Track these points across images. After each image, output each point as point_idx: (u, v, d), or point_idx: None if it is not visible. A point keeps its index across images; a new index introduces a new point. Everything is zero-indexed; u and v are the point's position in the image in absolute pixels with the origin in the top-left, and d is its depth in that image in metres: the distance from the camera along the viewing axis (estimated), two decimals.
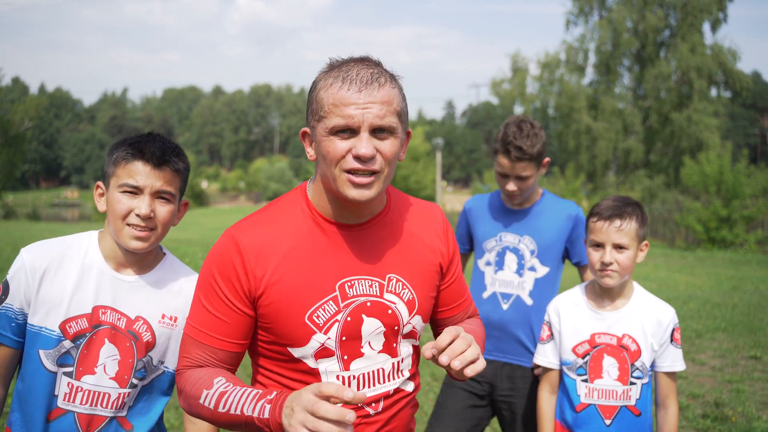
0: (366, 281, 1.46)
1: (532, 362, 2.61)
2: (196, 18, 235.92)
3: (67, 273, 1.68)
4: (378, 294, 1.47)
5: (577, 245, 2.67)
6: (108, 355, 1.68)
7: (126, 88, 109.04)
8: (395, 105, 1.39)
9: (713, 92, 30.61)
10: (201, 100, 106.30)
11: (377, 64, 1.43)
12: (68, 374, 1.66)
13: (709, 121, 28.48)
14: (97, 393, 1.67)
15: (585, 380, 2.19)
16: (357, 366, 1.45)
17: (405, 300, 1.50)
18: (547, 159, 2.59)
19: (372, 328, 1.46)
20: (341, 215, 1.46)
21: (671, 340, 2.19)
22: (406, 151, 1.69)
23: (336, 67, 1.41)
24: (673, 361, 2.18)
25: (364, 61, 1.42)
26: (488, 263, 2.70)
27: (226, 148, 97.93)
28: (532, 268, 2.64)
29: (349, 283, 1.45)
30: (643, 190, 26.74)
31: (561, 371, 2.27)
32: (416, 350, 1.57)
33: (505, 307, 2.66)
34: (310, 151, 1.46)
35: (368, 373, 1.46)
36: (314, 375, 1.43)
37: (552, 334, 2.30)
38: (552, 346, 2.29)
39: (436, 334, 1.70)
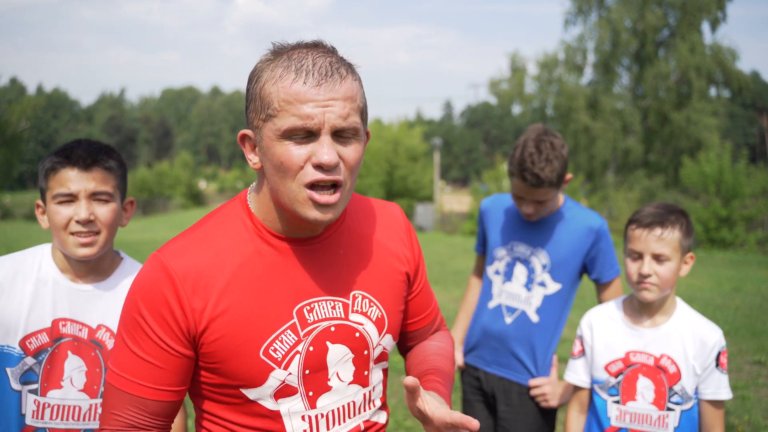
0: (328, 302, 1.27)
1: (528, 383, 2.48)
2: (195, 18, 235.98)
3: (21, 289, 1.64)
4: (342, 316, 1.28)
5: (597, 261, 2.47)
6: (74, 368, 1.65)
7: (124, 89, 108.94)
8: (358, 101, 1.18)
9: (712, 92, 30.60)
10: (199, 101, 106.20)
11: (332, 52, 1.20)
12: (33, 391, 1.62)
13: (709, 120, 28.45)
14: (66, 407, 1.64)
15: (617, 402, 2.02)
16: (325, 402, 1.27)
17: (374, 319, 1.32)
18: (569, 176, 2.37)
19: (339, 355, 1.27)
20: (292, 229, 1.25)
21: (716, 365, 1.96)
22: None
23: (284, 53, 1.17)
24: (717, 388, 1.96)
25: (318, 47, 1.19)
26: (497, 272, 2.56)
27: (225, 148, 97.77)
28: (542, 284, 2.46)
29: (309, 307, 1.25)
30: (642, 191, 26.64)
31: (592, 390, 2.10)
32: (385, 373, 1.40)
33: (508, 320, 2.50)
34: (253, 158, 1.22)
35: (338, 409, 1.28)
36: (274, 418, 1.24)
37: (584, 349, 2.12)
38: (583, 362, 2.12)
39: (404, 349, 1.55)
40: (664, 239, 1.93)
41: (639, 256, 1.96)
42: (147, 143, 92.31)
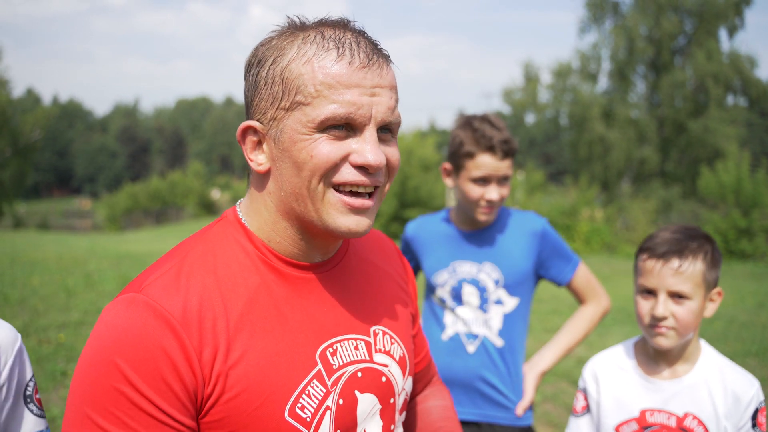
0: (350, 342, 1.02)
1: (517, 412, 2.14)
2: (209, 28, 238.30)
3: None
4: (367, 357, 1.04)
5: (550, 263, 2.19)
6: None
7: (138, 99, 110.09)
8: (398, 94, 0.98)
9: (730, 100, 30.11)
10: (213, 111, 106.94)
11: (365, 33, 0.99)
12: None
13: (726, 129, 27.97)
14: None
15: None
16: None
17: (397, 359, 1.09)
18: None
19: (368, 407, 1.03)
20: (304, 252, 1.01)
21: (753, 425, 1.57)
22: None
23: (309, 29, 0.95)
24: None
25: (349, 26, 0.98)
26: (443, 300, 2.20)
27: (238, 158, 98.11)
28: (499, 302, 2.15)
29: (332, 349, 1.00)
30: (659, 201, 26.21)
31: None
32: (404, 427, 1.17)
33: (471, 349, 2.15)
34: (260, 158, 0.97)
35: None
36: None
37: (588, 405, 1.75)
38: (588, 421, 1.74)
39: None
40: (683, 273, 1.56)
41: (651, 293, 1.60)
42: (161, 153, 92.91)
